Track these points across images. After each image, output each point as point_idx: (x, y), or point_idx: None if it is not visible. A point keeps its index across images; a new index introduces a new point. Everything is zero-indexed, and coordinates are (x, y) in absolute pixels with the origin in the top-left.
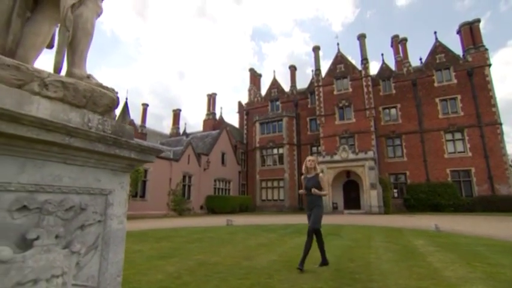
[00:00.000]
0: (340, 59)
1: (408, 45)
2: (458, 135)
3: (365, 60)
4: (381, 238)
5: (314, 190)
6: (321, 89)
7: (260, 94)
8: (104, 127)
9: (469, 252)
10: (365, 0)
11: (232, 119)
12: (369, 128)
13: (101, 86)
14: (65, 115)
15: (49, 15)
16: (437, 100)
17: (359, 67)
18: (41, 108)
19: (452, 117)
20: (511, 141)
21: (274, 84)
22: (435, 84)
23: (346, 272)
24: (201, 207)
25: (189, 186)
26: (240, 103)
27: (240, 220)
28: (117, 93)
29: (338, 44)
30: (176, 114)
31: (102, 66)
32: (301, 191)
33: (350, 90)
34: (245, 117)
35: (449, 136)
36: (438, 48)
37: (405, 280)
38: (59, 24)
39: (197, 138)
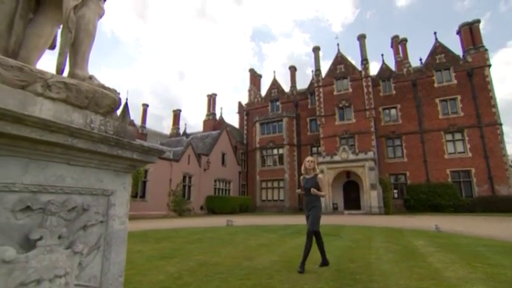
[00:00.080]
0: (340, 59)
1: (408, 45)
2: (458, 136)
3: (365, 61)
4: (382, 238)
5: (313, 190)
6: (321, 90)
7: (260, 94)
8: (106, 128)
9: (469, 252)
10: (365, 1)
11: (232, 119)
12: (369, 128)
13: (103, 87)
14: (68, 116)
15: (51, 17)
16: (437, 100)
17: (359, 67)
18: (44, 109)
19: (452, 117)
20: (511, 142)
21: (274, 84)
22: (435, 85)
23: (346, 272)
24: (201, 208)
25: (189, 187)
26: (240, 103)
27: (240, 220)
28: (119, 94)
29: (338, 44)
30: (177, 114)
31: (102, 67)
32: (299, 191)
33: (350, 90)
34: (245, 117)
35: (449, 136)
36: (438, 48)
37: (405, 280)
38: (61, 26)
39: (197, 139)
